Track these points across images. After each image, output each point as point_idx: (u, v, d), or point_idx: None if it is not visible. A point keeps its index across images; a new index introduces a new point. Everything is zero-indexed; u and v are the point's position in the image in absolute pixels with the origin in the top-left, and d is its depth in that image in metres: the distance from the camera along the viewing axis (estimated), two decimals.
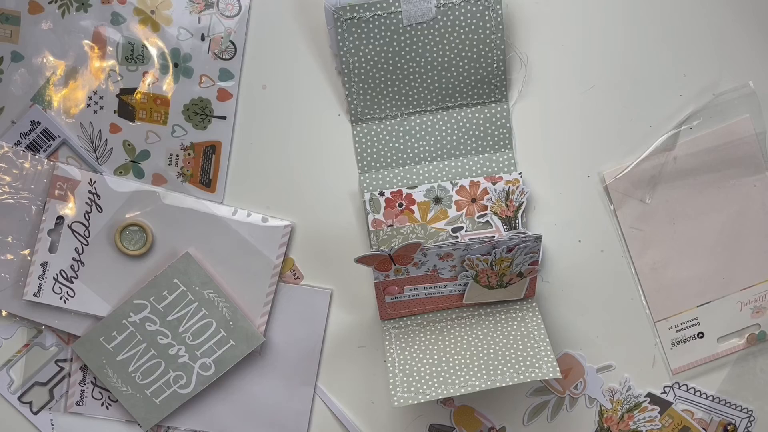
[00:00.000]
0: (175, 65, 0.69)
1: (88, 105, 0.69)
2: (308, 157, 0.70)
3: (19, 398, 0.72)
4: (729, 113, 0.69)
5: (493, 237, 0.65)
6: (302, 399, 0.72)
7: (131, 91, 0.69)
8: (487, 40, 0.67)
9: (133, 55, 0.69)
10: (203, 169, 0.70)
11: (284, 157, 0.70)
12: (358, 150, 0.69)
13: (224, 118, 0.69)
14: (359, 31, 0.66)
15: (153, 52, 0.68)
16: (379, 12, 0.66)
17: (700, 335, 0.71)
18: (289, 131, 0.70)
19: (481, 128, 0.69)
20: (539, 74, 0.69)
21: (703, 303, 0.71)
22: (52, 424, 0.72)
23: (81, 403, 0.72)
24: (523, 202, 0.68)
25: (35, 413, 0.72)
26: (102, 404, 0.72)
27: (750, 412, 0.72)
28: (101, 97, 0.69)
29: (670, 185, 0.69)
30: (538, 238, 0.63)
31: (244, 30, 0.68)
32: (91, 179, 0.69)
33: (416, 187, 0.68)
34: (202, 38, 0.68)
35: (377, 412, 0.73)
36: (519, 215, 0.68)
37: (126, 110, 0.69)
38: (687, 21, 0.69)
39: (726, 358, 0.71)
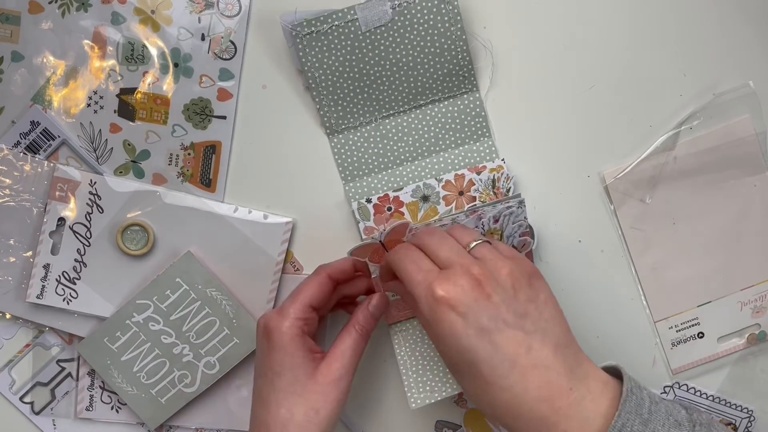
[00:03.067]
0: (175, 65, 0.69)
1: (88, 105, 0.69)
2: (308, 157, 0.70)
3: (20, 398, 0.72)
4: (729, 113, 0.69)
5: (474, 204, 0.65)
6: None
7: (131, 90, 0.69)
8: (448, 33, 0.66)
9: (134, 55, 0.68)
10: (203, 168, 0.70)
11: (284, 156, 0.70)
12: (339, 161, 0.69)
13: (224, 117, 0.69)
14: (319, 44, 0.66)
15: (153, 51, 0.68)
16: (336, 23, 0.65)
17: (700, 335, 0.71)
18: (289, 131, 0.70)
19: (457, 120, 0.69)
20: (507, 32, 0.69)
21: (703, 303, 0.71)
22: (54, 425, 0.73)
23: (91, 408, 0.72)
24: (510, 186, 0.68)
25: (37, 413, 0.72)
26: (112, 408, 0.73)
27: (750, 412, 0.72)
28: (101, 97, 0.69)
29: (670, 185, 0.70)
30: (521, 202, 0.62)
31: (244, 30, 0.68)
32: (91, 180, 0.69)
33: (402, 188, 0.68)
34: (203, 38, 0.68)
35: (381, 410, 0.73)
36: None
37: (126, 110, 0.69)
38: (687, 21, 0.69)
39: (726, 358, 0.72)
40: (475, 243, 0.57)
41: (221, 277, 0.70)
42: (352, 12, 0.65)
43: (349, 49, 0.66)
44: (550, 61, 0.69)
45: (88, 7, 0.68)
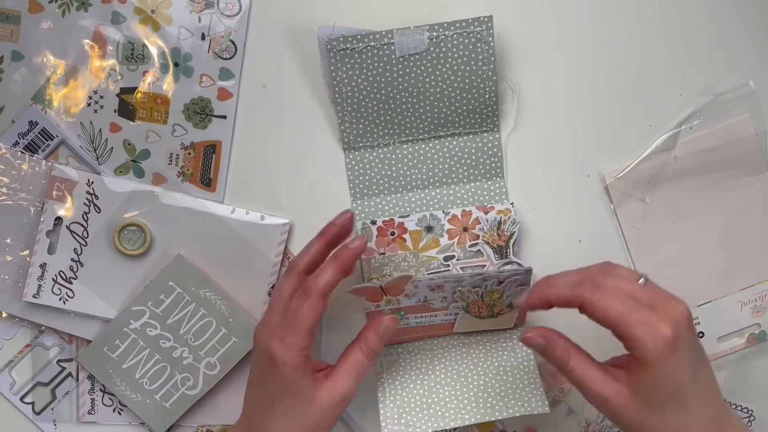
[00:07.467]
0: (176, 64, 0.69)
1: (89, 104, 0.69)
2: (309, 156, 0.70)
3: (21, 399, 0.72)
4: (729, 113, 0.69)
5: (484, 266, 0.65)
6: None
7: (131, 90, 0.69)
8: (479, 72, 0.67)
9: (134, 55, 0.68)
10: (203, 168, 0.70)
11: (284, 156, 0.70)
12: (351, 177, 0.69)
13: (224, 117, 0.69)
14: (352, 61, 0.66)
15: (153, 51, 0.68)
16: (372, 43, 0.66)
17: (700, 335, 0.71)
18: (289, 130, 0.70)
19: (473, 157, 0.69)
20: (536, 79, 0.69)
21: (703, 303, 0.71)
22: (55, 424, 0.72)
23: (93, 412, 0.72)
24: (514, 231, 0.68)
25: (37, 414, 0.72)
26: (114, 410, 0.72)
27: (750, 412, 0.72)
28: (101, 97, 0.69)
29: (670, 185, 0.70)
30: (528, 271, 0.63)
31: (244, 29, 0.68)
32: (89, 180, 0.69)
33: (408, 216, 0.68)
34: (203, 37, 0.68)
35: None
36: (510, 244, 0.68)
37: (126, 110, 0.69)
38: (687, 21, 0.69)
39: (726, 358, 0.71)
40: (643, 281, 0.58)
41: (218, 278, 0.70)
42: (389, 36, 0.65)
43: (380, 70, 0.66)
44: (554, 62, 0.69)
45: (88, 6, 0.68)
